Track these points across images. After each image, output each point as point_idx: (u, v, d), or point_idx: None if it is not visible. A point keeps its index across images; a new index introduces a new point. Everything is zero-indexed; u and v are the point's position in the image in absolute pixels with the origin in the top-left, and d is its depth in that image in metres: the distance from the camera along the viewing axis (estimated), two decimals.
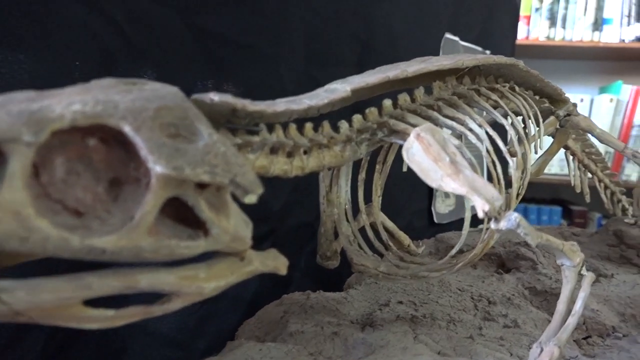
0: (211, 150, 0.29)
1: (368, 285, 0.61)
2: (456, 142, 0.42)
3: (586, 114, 2.20)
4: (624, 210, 0.82)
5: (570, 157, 0.74)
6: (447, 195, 1.27)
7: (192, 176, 0.27)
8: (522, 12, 2.22)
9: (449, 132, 0.48)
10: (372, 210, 0.57)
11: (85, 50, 0.53)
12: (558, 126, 0.63)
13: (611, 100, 2.10)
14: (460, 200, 1.36)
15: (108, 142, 0.28)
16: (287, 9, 0.77)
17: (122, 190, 0.28)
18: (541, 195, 2.45)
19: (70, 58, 0.52)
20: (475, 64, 0.49)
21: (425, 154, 0.37)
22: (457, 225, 1.08)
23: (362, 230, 0.56)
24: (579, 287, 0.43)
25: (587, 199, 0.76)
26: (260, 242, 0.81)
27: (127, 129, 0.27)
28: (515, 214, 0.36)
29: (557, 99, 0.64)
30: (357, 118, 0.43)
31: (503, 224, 0.36)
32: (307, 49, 0.81)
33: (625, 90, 2.11)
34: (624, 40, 2.11)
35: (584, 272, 0.43)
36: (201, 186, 0.29)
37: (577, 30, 2.16)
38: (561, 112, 0.62)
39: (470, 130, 0.45)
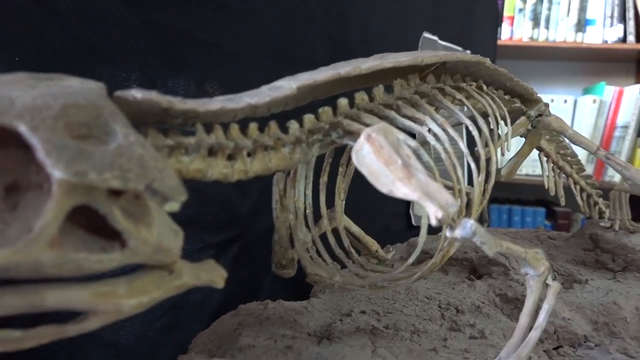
0: (124, 153, 0.26)
1: (332, 293, 0.58)
2: (413, 143, 0.39)
3: (570, 115, 2.19)
4: (600, 213, 0.81)
5: (544, 159, 0.71)
6: None
7: (98, 182, 0.24)
8: (506, 13, 2.22)
9: (418, 133, 0.45)
10: (335, 215, 0.54)
11: (26, 44, 0.50)
12: (529, 127, 0.61)
13: (594, 101, 2.10)
14: None
15: (4, 144, 0.25)
16: (253, 4, 0.74)
17: (22, 197, 0.25)
18: (525, 197, 2.45)
19: (8, 53, 0.49)
20: (436, 61, 0.46)
21: (376, 156, 0.34)
22: (437, 227, 1.05)
23: (325, 237, 0.53)
24: (544, 298, 0.41)
25: (562, 201, 0.73)
26: (227, 247, 0.79)
27: (23, 129, 0.24)
28: (471, 222, 0.34)
29: (528, 99, 0.61)
30: (308, 118, 0.40)
31: (458, 232, 0.34)
32: (275, 47, 0.78)
33: (608, 91, 2.11)
34: (606, 41, 2.11)
35: (549, 281, 0.40)
36: (116, 193, 0.27)
37: (561, 31, 2.16)
38: (532, 113, 0.60)
39: (430, 131, 0.42)
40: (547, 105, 0.61)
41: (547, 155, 0.70)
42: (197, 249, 0.73)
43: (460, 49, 1.37)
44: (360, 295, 0.57)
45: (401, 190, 0.33)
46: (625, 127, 2.10)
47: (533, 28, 2.19)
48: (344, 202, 0.56)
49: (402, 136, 0.40)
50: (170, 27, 0.65)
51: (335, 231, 0.54)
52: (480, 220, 0.92)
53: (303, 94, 0.38)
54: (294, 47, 0.82)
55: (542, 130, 0.61)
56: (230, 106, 0.33)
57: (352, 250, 0.51)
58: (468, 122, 0.46)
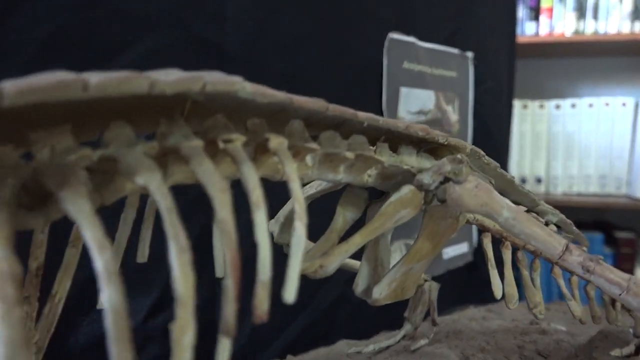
0: None
1: None
2: None
3: (630, 122, 1.77)
4: (629, 310, 0.49)
5: (489, 243, 0.39)
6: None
7: None
8: (543, 4, 1.85)
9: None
10: None
11: None
12: (435, 202, 0.30)
13: None
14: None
15: None
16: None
17: None
18: (577, 219, 2.04)
19: None
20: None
21: None
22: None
23: None
24: None
25: (540, 312, 0.41)
26: None
27: None
28: None
29: (435, 144, 0.32)
30: None
31: None
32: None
33: None
34: None
35: None
36: None
37: (613, 22, 1.77)
38: (427, 178, 0.29)
39: None
40: (459, 161, 0.30)
41: (501, 236, 0.39)
42: None
43: (456, 51, 1.06)
44: None
45: None
46: None
47: (578, 20, 1.82)
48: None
49: None
50: None
51: None
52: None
53: None
54: (146, 59, 0.57)
55: (454, 209, 0.31)
56: None
57: None
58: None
